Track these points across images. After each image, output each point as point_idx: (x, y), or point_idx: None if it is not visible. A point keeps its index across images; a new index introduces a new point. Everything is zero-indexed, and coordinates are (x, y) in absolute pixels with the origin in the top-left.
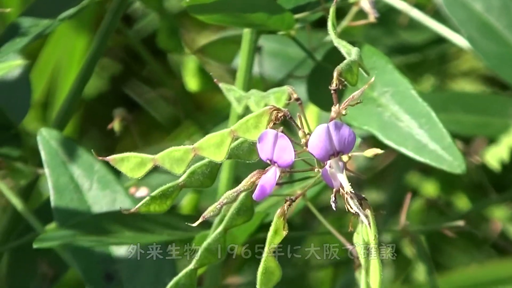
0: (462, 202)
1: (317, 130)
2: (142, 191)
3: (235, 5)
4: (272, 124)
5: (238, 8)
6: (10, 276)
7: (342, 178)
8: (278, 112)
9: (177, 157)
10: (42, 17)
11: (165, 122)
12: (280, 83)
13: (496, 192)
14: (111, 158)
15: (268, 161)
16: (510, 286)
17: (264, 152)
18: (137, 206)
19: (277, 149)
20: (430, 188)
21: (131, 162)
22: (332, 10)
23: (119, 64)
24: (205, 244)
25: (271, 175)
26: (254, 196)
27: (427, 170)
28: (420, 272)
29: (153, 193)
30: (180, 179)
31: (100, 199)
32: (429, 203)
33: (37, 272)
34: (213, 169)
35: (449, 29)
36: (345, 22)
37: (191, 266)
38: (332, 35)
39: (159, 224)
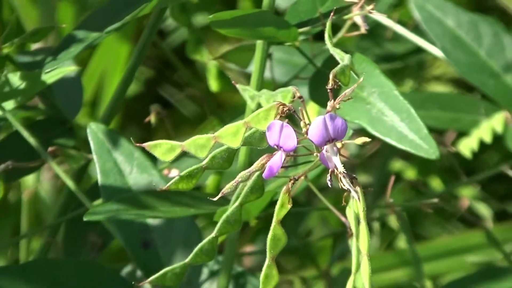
0: (436, 183)
1: (315, 121)
2: (174, 173)
3: (249, 21)
4: (279, 116)
5: (252, 23)
6: (66, 245)
7: (336, 161)
8: (283, 107)
9: (201, 144)
10: (92, 30)
11: (192, 118)
12: (286, 85)
13: (465, 175)
14: (147, 145)
15: (275, 147)
16: (475, 253)
17: (272, 139)
18: (168, 184)
19: (282, 136)
20: (410, 172)
21: (163, 148)
22: (328, 24)
23: (153, 70)
24: (224, 216)
25: (278, 158)
26: (263, 175)
27: (407, 157)
28: (401, 241)
29: (181, 174)
30: (203, 162)
31: (139, 181)
32: (409, 184)
33: (88, 241)
34: (231, 154)
35: (426, 41)
36: (340, 34)
37: (213, 234)
38: (328, 45)
39: (187, 200)
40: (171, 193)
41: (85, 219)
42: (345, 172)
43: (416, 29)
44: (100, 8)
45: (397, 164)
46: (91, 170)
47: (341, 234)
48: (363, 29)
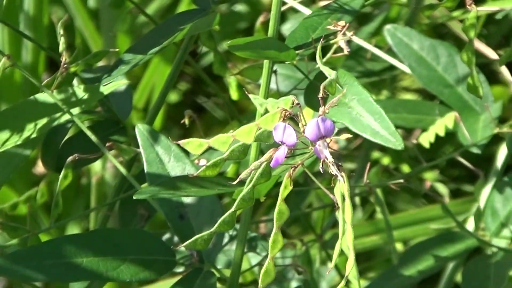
0: (405, 168)
1: (310, 122)
2: (203, 162)
3: (257, 45)
4: (282, 119)
5: (260, 47)
6: (121, 216)
7: (326, 153)
8: (285, 112)
9: (223, 141)
10: (138, 53)
11: (222, 120)
12: (288, 95)
13: (426, 162)
14: (181, 142)
15: (280, 142)
16: (436, 222)
17: (277, 137)
18: (198, 172)
19: (285, 134)
20: (385, 160)
21: (193, 144)
22: (319, 48)
23: (190, 84)
24: (240, 195)
25: (282, 151)
26: (271, 164)
27: (383, 148)
28: (380, 214)
29: (208, 163)
30: (225, 155)
31: (175, 168)
32: (384, 169)
33: (137, 214)
34: (245, 148)
35: (397, 60)
36: (328, 55)
37: (232, 209)
38: (319, 63)
39: (213, 183)
40: (200, 178)
41: (134, 197)
42: (333, 161)
43: (389, 51)
44: (145, 36)
45: (375, 154)
46: (139, 160)
47: (333, 208)
48: (345, 51)
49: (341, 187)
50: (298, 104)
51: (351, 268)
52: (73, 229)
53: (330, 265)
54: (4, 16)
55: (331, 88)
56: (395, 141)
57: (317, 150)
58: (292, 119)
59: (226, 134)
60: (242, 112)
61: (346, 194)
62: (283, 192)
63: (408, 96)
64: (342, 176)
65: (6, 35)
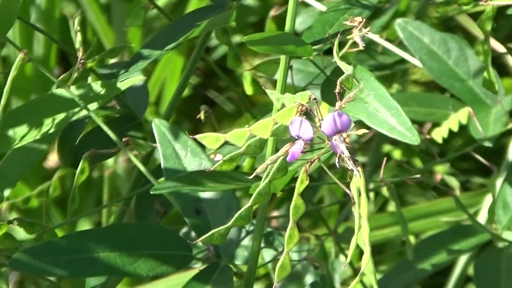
0: (417, 162)
1: (327, 117)
2: (218, 157)
3: (275, 41)
4: (299, 114)
5: (277, 42)
6: (137, 211)
7: (343, 147)
8: (302, 106)
9: (239, 135)
10: (155, 49)
11: (232, 114)
12: (304, 90)
13: (438, 156)
14: (198, 136)
15: (296, 137)
16: (447, 215)
17: (293, 131)
18: (214, 166)
19: (302, 129)
20: (397, 154)
21: (210, 139)
22: (336, 43)
23: (200, 78)
24: (257, 190)
25: (298, 146)
26: (287, 159)
27: (394, 142)
28: (391, 206)
29: (224, 158)
30: (241, 149)
31: (192, 163)
32: (396, 163)
33: (153, 209)
34: (262, 142)
35: (408, 54)
36: (344, 50)
37: (248, 204)
38: (336, 59)
39: (229, 178)
40: (216, 172)
41: (151, 192)
42: (349, 155)
43: (400, 44)
44: (161, 32)
45: (386, 148)
46: (155, 155)
47: (345, 202)
48: (361, 46)
49: (357, 181)
50: (315, 99)
51: (367, 263)
52: (84, 223)
53: (343, 258)
54: None
55: (347, 83)
56: (412, 137)
57: (333, 144)
58: (307, 114)
59: (243, 128)
60: (253, 106)
61: (362, 188)
62: (299, 186)
63: (418, 89)
64: (358, 171)
65: (17, 28)
